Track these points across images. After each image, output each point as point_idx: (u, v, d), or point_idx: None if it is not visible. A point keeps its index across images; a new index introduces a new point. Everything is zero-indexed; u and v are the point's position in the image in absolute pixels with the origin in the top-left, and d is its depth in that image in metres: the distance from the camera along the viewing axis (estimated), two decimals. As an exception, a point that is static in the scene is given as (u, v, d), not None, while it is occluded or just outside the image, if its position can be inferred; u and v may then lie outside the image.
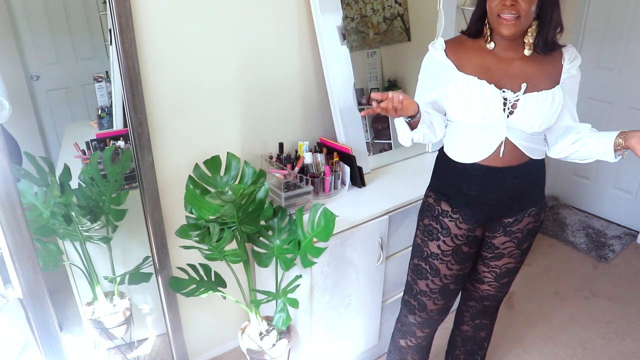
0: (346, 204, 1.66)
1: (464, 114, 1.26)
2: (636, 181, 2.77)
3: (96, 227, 1.54)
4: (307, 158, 1.71)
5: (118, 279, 1.61)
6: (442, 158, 1.38)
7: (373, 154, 1.99)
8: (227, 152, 1.49)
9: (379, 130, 2.05)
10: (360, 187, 1.77)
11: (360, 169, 1.76)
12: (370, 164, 1.91)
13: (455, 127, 1.31)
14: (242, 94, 1.65)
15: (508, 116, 1.23)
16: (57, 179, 1.42)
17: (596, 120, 2.85)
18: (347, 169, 1.74)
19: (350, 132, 1.80)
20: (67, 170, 1.44)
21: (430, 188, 1.44)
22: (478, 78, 1.23)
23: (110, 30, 1.34)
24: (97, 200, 1.52)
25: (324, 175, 1.71)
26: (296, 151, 1.80)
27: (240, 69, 1.62)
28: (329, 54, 1.70)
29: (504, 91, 1.22)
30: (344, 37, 1.73)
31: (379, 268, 1.72)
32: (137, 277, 1.63)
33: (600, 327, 2.13)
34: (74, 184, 1.46)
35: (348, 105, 1.78)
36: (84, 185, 1.48)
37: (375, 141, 2.04)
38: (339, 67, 1.74)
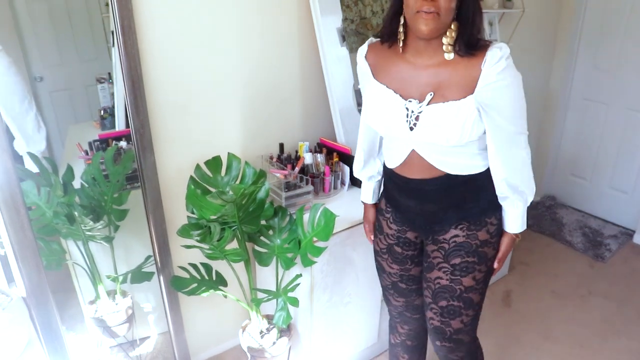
0: (346, 204, 1.68)
1: (374, 124, 1.21)
2: (632, 181, 2.79)
3: (99, 227, 1.55)
4: (307, 158, 1.72)
5: (120, 278, 1.62)
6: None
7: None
8: (228, 153, 1.50)
9: (378, 130, 2.06)
10: (359, 187, 1.79)
11: (359, 169, 1.77)
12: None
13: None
14: (242, 95, 1.66)
15: (412, 128, 1.13)
16: (60, 179, 1.44)
17: (592, 121, 2.89)
18: (347, 169, 1.75)
19: (350, 133, 1.81)
20: (70, 170, 1.45)
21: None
22: (387, 87, 1.16)
23: (112, 32, 1.35)
24: (100, 200, 1.53)
25: (323, 175, 1.72)
26: (296, 151, 1.82)
27: (241, 70, 1.63)
28: (329, 55, 1.72)
29: (410, 101, 1.12)
30: (343, 38, 1.74)
31: (378, 267, 1.73)
32: (139, 276, 1.64)
33: (596, 325, 2.15)
34: (76, 184, 1.47)
35: (348, 106, 1.79)
36: (86, 185, 1.49)
37: (375, 141, 2.05)
38: (339, 69, 1.75)
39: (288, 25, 1.69)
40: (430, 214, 1.25)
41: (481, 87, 1.06)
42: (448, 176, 1.17)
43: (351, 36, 1.89)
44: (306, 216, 1.52)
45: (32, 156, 1.38)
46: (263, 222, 1.52)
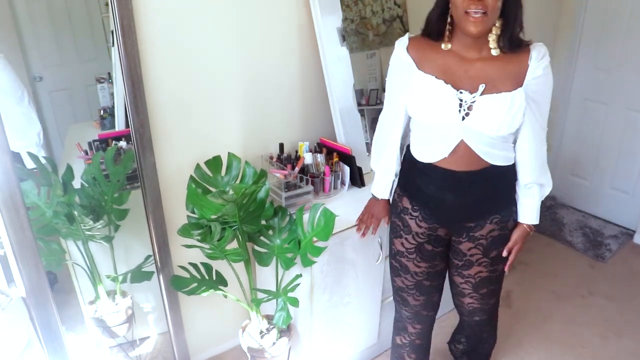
0: (346, 204, 1.67)
1: (420, 113, 1.23)
2: (633, 181, 2.78)
3: (98, 227, 1.55)
4: (307, 158, 1.72)
5: (120, 278, 1.62)
6: (407, 155, 1.37)
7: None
8: (228, 153, 1.50)
9: (378, 130, 2.06)
10: (359, 187, 1.79)
11: (359, 169, 1.77)
12: (370, 165, 1.92)
13: (417, 126, 1.29)
14: (242, 94, 1.66)
15: (464, 118, 1.18)
16: (60, 179, 1.43)
17: (593, 121, 2.88)
18: (347, 169, 1.75)
19: (350, 133, 1.81)
20: (69, 170, 1.45)
21: (397, 183, 1.44)
22: (436, 78, 1.20)
23: (112, 32, 1.35)
24: (100, 200, 1.53)
25: (323, 175, 1.72)
26: (296, 151, 1.82)
27: (241, 70, 1.63)
28: (329, 55, 1.72)
29: (461, 92, 1.18)
30: (343, 38, 1.74)
31: (378, 267, 1.73)
32: (139, 275, 1.64)
33: (597, 326, 2.15)
34: (76, 184, 1.47)
35: (348, 106, 1.79)
36: (86, 185, 1.49)
37: (375, 141, 2.05)
38: (339, 69, 1.75)
39: (288, 24, 1.69)
40: (467, 207, 1.30)
41: (529, 80, 1.16)
42: (492, 167, 1.24)
43: (351, 36, 1.89)
44: (306, 216, 1.52)
45: (32, 156, 1.38)
46: (263, 222, 1.52)
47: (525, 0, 1.19)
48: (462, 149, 1.22)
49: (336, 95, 1.76)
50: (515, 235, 1.34)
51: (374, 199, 1.49)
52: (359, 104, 1.92)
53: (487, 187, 1.27)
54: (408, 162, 1.35)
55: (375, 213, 1.49)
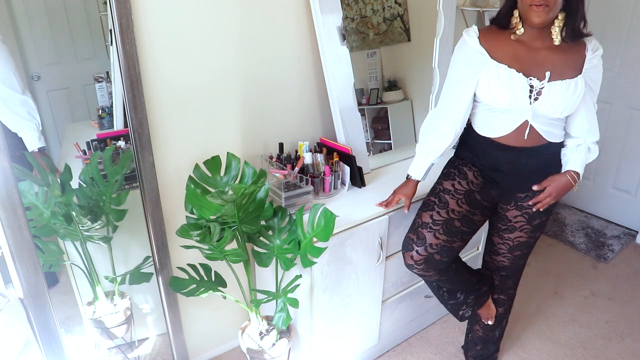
0: (346, 204, 1.66)
1: (493, 99, 1.36)
2: (635, 181, 2.77)
3: (97, 227, 1.54)
4: (307, 158, 1.71)
5: (119, 279, 1.61)
6: (468, 130, 1.51)
7: (373, 154, 1.99)
8: (227, 152, 1.49)
9: (379, 130, 2.05)
10: (360, 187, 1.78)
11: (360, 169, 1.76)
12: (370, 164, 1.91)
13: (483, 107, 1.42)
14: (242, 94, 1.65)
15: (532, 102, 1.33)
16: (58, 179, 1.43)
17: (595, 120, 2.87)
18: (347, 169, 1.74)
19: (350, 132, 1.80)
20: (67, 170, 1.44)
21: (455, 155, 1.58)
22: (508, 66, 1.33)
23: (110, 30, 1.34)
24: (98, 200, 1.52)
25: (323, 175, 1.71)
26: (296, 151, 1.81)
27: (240, 69, 1.62)
28: (329, 54, 1.71)
29: (530, 79, 1.32)
30: (343, 37, 1.73)
31: (379, 268, 1.72)
32: (137, 276, 1.63)
33: (599, 326, 2.14)
34: (74, 184, 1.46)
35: (348, 105, 1.78)
36: (84, 185, 1.48)
37: (375, 141, 2.04)
38: (339, 68, 1.74)
39: (288, 23, 1.68)
40: (521, 180, 1.45)
41: (587, 68, 1.34)
42: (547, 144, 1.41)
43: (351, 35, 1.88)
44: (306, 216, 1.51)
45: (30, 156, 1.37)
46: (263, 222, 1.51)
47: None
48: (524, 127, 1.36)
49: (336, 95, 1.75)
50: (558, 181, 1.43)
51: (405, 181, 1.60)
52: (360, 104, 1.91)
53: (540, 162, 1.42)
54: (468, 137, 1.50)
55: (405, 193, 1.59)
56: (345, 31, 1.75)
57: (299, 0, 1.67)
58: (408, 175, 1.58)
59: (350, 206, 1.65)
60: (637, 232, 2.79)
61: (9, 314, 1.14)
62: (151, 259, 1.60)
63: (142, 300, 1.73)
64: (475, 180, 1.49)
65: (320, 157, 1.73)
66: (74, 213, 1.47)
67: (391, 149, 2.05)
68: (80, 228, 1.50)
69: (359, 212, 1.61)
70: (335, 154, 1.75)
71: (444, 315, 2.12)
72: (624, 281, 2.44)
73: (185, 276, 1.51)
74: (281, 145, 1.76)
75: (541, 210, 1.47)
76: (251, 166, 1.47)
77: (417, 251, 1.46)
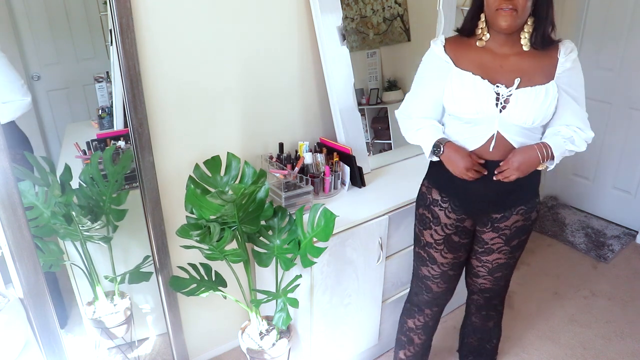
0: (346, 204, 1.66)
1: (458, 108, 1.29)
2: (635, 181, 2.77)
3: (97, 227, 1.54)
4: (307, 158, 1.71)
5: (118, 279, 1.61)
6: None
7: (373, 154, 1.99)
8: (227, 152, 1.49)
9: (379, 130, 2.05)
10: (360, 187, 1.78)
11: (360, 169, 1.76)
12: (370, 164, 1.91)
13: (453, 120, 1.35)
14: (242, 94, 1.65)
15: (501, 111, 1.26)
16: (58, 179, 1.43)
17: (595, 120, 2.85)
18: (347, 169, 1.74)
19: (350, 132, 1.80)
20: (67, 170, 1.44)
21: (425, 177, 1.49)
22: (473, 73, 1.27)
23: (110, 30, 1.34)
24: (98, 200, 1.52)
25: (324, 175, 1.71)
26: (296, 151, 1.81)
27: (240, 69, 1.62)
28: (329, 54, 1.71)
29: (497, 86, 1.25)
30: (343, 37, 1.73)
31: (379, 268, 1.72)
32: (137, 276, 1.63)
33: (599, 326, 2.14)
34: (74, 184, 1.46)
35: (348, 105, 1.78)
36: (84, 185, 1.48)
37: (375, 141, 2.04)
38: (339, 68, 1.74)
39: (288, 23, 1.68)
40: (496, 198, 1.35)
41: (560, 73, 1.26)
42: None
43: (351, 35, 1.88)
44: (306, 216, 1.51)
45: (30, 155, 1.37)
46: (263, 222, 1.51)
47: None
48: (497, 139, 1.28)
49: (336, 95, 1.74)
50: (524, 148, 1.26)
51: (444, 155, 1.32)
52: (360, 104, 1.91)
53: (507, 180, 1.31)
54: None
55: (463, 154, 1.29)
56: (345, 31, 1.75)
57: (299, 0, 1.67)
58: (435, 150, 1.33)
59: (350, 206, 1.65)
60: (637, 232, 2.78)
61: (9, 314, 1.13)
62: (151, 258, 1.60)
63: (142, 300, 1.73)
64: (447, 220, 1.41)
65: (320, 157, 1.73)
66: (74, 213, 1.47)
67: (391, 149, 2.05)
68: (80, 228, 1.50)
69: (359, 212, 1.61)
70: (335, 154, 1.75)
71: (444, 315, 2.12)
72: (624, 281, 2.44)
73: (186, 276, 1.51)
74: (281, 145, 1.76)
75: (502, 180, 1.28)
76: (251, 166, 1.47)
77: (427, 295, 1.56)
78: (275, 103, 1.75)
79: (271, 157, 1.73)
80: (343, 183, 1.77)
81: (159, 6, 1.39)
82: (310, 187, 1.63)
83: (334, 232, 1.46)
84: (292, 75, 1.76)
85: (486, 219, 1.40)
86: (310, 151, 1.76)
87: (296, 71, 1.76)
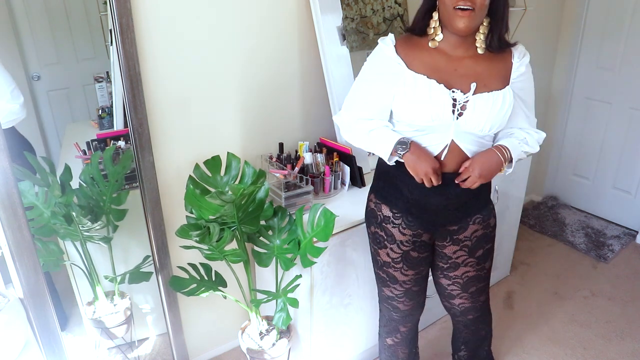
0: (346, 204, 1.66)
1: (412, 115, 1.19)
2: (635, 181, 2.77)
3: (97, 227, 1.54)
4: (307, 158, 1.71)
5: (118, 279, 1.61)
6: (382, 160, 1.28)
7: (373, 154, 1.99)
8: (227, 152, 1.49)
9: (379, 130, 2.05)
10: (360, 187, 1.78)
11: (360, 169, 1.76)
12: (370, 164, 1.91)
13: (400, 126, 1.24)
14: (242, 94, 1.65)
15: (457, 118, 1.17)
16: (58, 179, 1.43)
17: (595, 120, 2.87)
18: (347, 169, 1.74)
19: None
20: (67, 170, 1.44)
21: (371, 191, 1.38)
22: (427, 77, 1.17)
23: (110, 30, 1.34)
24: (98, 200, 1.52)
25: (323, 175, 1.71)
26: (296, 151, 1.81)
27: (240, 69, 1.62)
28: (329, 54, 1.71)
29: (453, 91, 1.16)
30: (344, 37, 1.73)
31: (379, 268, 1.72)
32: (137, 276, 1.63)
33: (599, 326, 2.14)
34: (74, 184, 1.46)
35: (348, 105, 1.78)
36: (84, 185, 1.48)
37: (375, 141, 2.04)
38: (339, 68, 1.74)
39: (288, 23, 1.68)
40: (452, 210, 1.28)
41: (515, 78, 1.20)
42: None
43: (351, 35, 1.88)
44: (306, 216, 1.51)
45: (30, 156, 1.37)
46: (262, 222, 1.51)
47: (526, -1, 1.19)
48: (450, 148, 1.20)
49: (336, 95, 1.74)
50: (482, 153, 1.20)
51: (411, 153, 1.20)
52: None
53: (471, 189, 1.23)
54: (387, 167, 1.28)
55: (427, 158, 1.19)
56: (345, 31, 1.75)
57: (299, 0, 1.67)
58: (401, 148, 1.21)
59: (350, 206, 1.65)
60: (637, 232, 2.78)
61: (9, 314, 1.14)
62: (151, 258, 1.60)
63: (142, 300, 1.73)
64: (402, 237, 1.32)
65: (320, 157, 1.73)
66: (74, 213, 1.47)
67: (391, 149, 2.05)
68: (80, 228, 1.50)
69: (359, 212, 1.60)
70: (335, 154, 1.75)
71: (444, 315, 2.12)
72: (624, 281, 2.44)
73: (186, 276, 1.51)
74: (281, 145, 1.76)
75: (464, 187, 1.22)
76: (251, 166, 1.47)
77: (396, 314, 1.48)
78: (276, 103, 1.75)
79: (271, 157, 1.73)
80: (343, 183, 1.77)
81: (159, 6, 1.39)
82: (310, 187, 1.63)
83: (334, 232, 1.46)
84: (292, 75, 1.76)
85: (444, 232, 1.32)
86: (310, 151, 1.76)
87: (296, 71, 1.76)
